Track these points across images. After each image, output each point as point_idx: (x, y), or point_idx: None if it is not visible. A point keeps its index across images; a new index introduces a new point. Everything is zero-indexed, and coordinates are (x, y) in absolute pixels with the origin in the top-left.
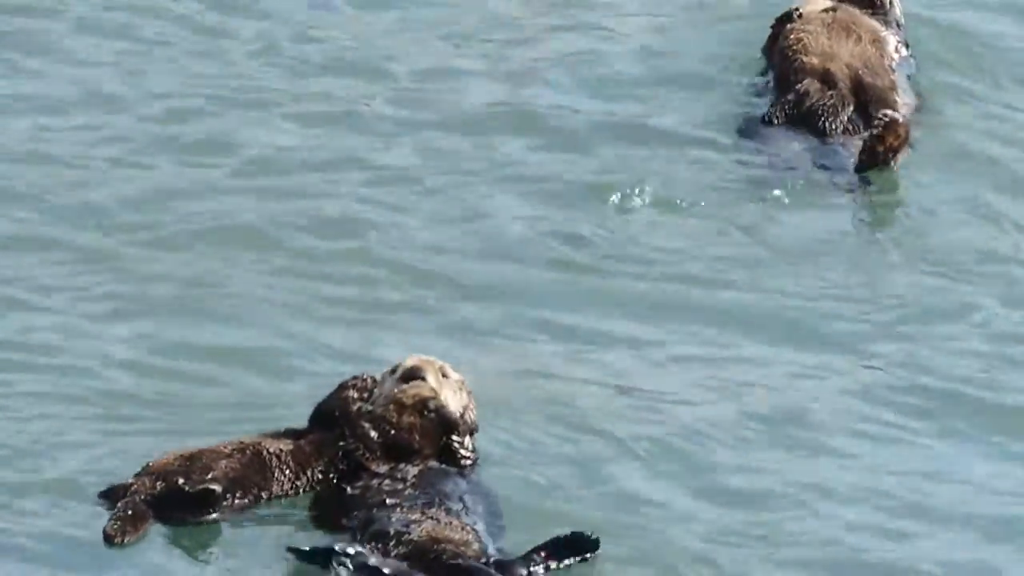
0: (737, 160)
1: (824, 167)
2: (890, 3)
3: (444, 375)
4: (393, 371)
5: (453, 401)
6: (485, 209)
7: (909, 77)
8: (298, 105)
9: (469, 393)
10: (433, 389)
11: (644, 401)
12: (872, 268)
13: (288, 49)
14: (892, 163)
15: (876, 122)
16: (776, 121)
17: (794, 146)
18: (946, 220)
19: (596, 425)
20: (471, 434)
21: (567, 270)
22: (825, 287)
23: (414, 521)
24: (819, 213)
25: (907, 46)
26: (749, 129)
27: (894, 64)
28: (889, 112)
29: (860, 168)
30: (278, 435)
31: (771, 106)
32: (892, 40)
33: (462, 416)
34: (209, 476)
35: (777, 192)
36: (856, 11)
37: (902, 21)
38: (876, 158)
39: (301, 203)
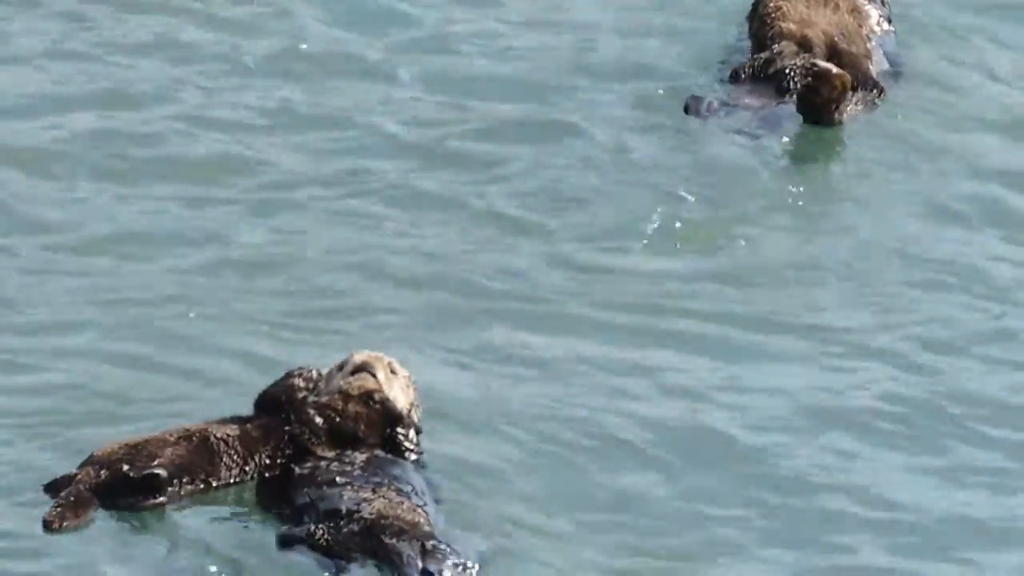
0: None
1: (778, 128)
2: None
3: (392, 371)
4: (341, 366)
5: (401, 397)
6: (432, 220)
7: (888, 50)
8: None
9: (415, 391)
10: (379, 382)
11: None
12: (818, 243)
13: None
14: (836, 117)
15: (806, 72)
16: (742, 76)
17: (754, 104)
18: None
19: (560, 435)
20: (416, 431)
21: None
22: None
23: (365, 500)
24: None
25: (889, 21)
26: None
27: (873, 36)
28: (819, 62)
29: (804, 122)
30: (224, 421)
31: (741, 64)
32: (875, 14)
33: (408, 411)
34: (155, 463)
35: (733, 150)
36: None
37: None
38: (814, 110)
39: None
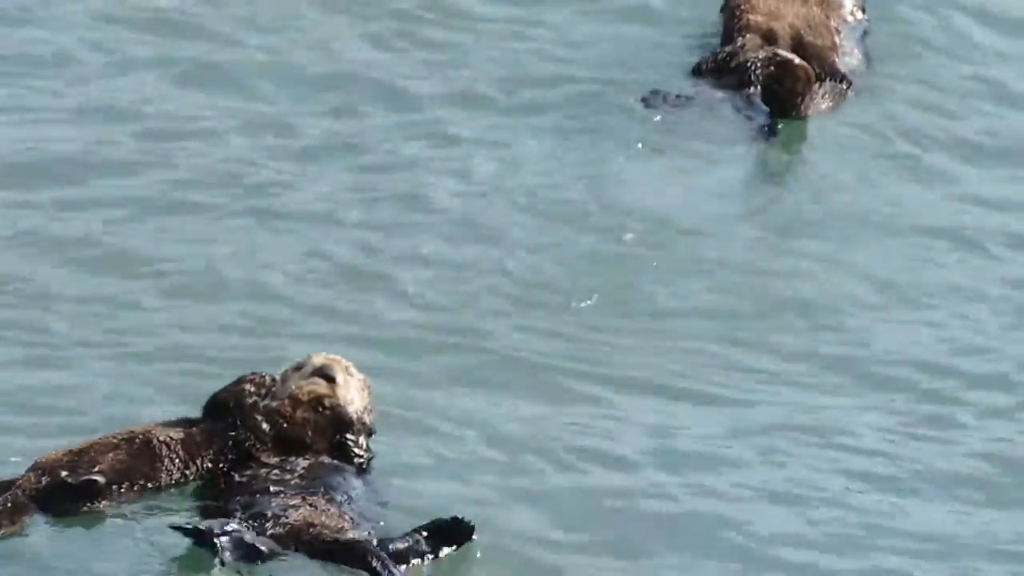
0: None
1: (743, 117)
2: None
3: (350, 373)
4: (298, 368)
5: (357, 399)
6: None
7: (860, 39)
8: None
9: (370, 395)
10: (329, 387)
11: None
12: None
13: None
14: (803, 109)
15: (769, 63)
16: (704, 68)
17: (717, 96)
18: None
19: (523, 442)
20: (368, 434)
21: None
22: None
23: (292, 506)
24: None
25: (863, 11)
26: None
27: (843, 27)
28: (782, 53)
29: (770, 115)
30: (170, 424)
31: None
32: (848, 3)
33: (362, 416)
34: (96, 469)
35: (695, 143)
36: None
37: None
38: (779, 102)
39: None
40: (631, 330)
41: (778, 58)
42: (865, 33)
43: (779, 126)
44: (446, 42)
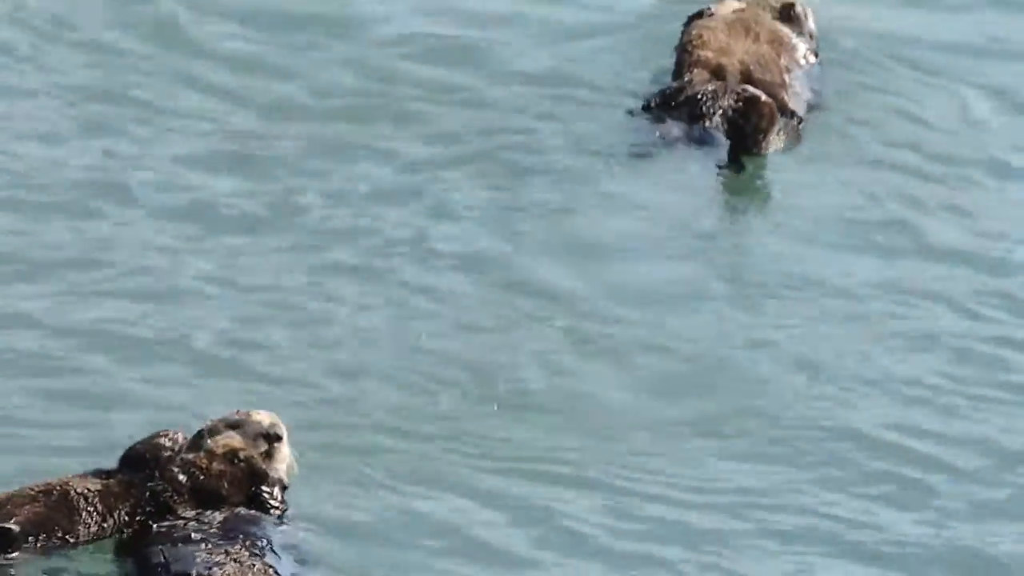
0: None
1: (698, 149)
2: (804, 15)
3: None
4: (236, 425)
5: (288, 453)
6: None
7: (811, 82)
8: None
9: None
10: (243, 441)
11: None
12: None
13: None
14: (763, 146)
15: (736, 98)
16: (653, 104)
17: (670, 130)
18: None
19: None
20: (282, 488)
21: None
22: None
23: (217, 563)
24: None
25: (816, 55)
26: (631, 115)
27: (795, 67)
28: (749, 88)
29: (732, 150)
30: (87, 476)
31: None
32: (801, 47)
33: (286, 469)
34: (11, 520)
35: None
36: (765, 15)
37: (815, 33)
38: (744, 138)
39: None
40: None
41: (746, 93)
42: (817, 76)
43: (744, 161)
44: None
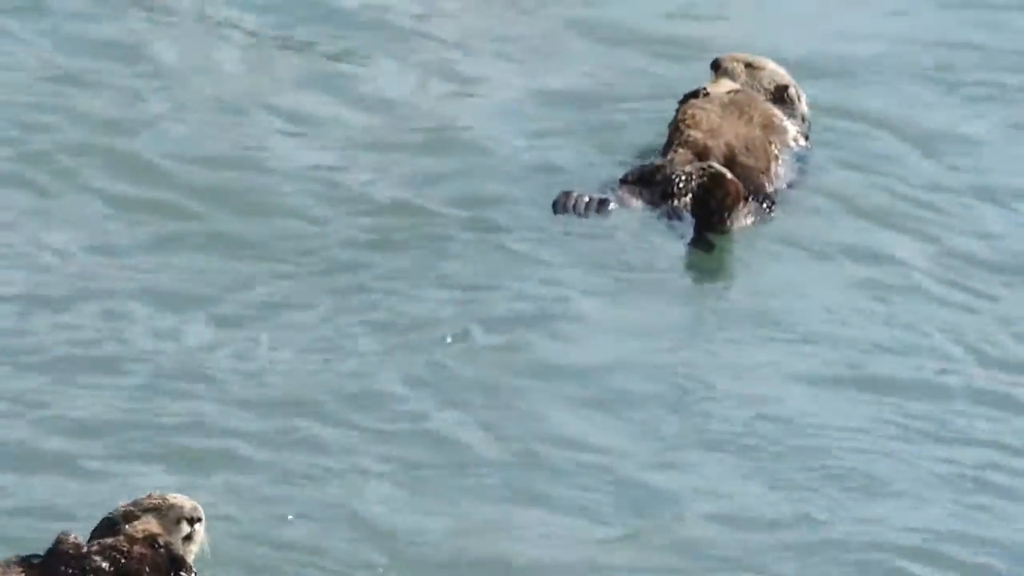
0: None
1: (665, 226)
2: (797, 97)
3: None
4: (153, 508)
5: (204, 534)
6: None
7: (799, 167)
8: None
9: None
10: (161, 526)
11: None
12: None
13: None
14: (728, 224)
15: (700, 173)
16: (629, 179)
17: (632, 205)
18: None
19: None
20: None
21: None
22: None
23: None
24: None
25: (807, 138)
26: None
27: (784, 151)
28: (714, 164)
29: (697, 227)
30: (11, 563)
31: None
32: (792, 130)
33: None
34: None
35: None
36: (758, 97)
37: (807, 115)
38: (707, 214)
39: None
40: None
41: (711, 170)
42: (804, 159)
43: (712, 240)
44: None
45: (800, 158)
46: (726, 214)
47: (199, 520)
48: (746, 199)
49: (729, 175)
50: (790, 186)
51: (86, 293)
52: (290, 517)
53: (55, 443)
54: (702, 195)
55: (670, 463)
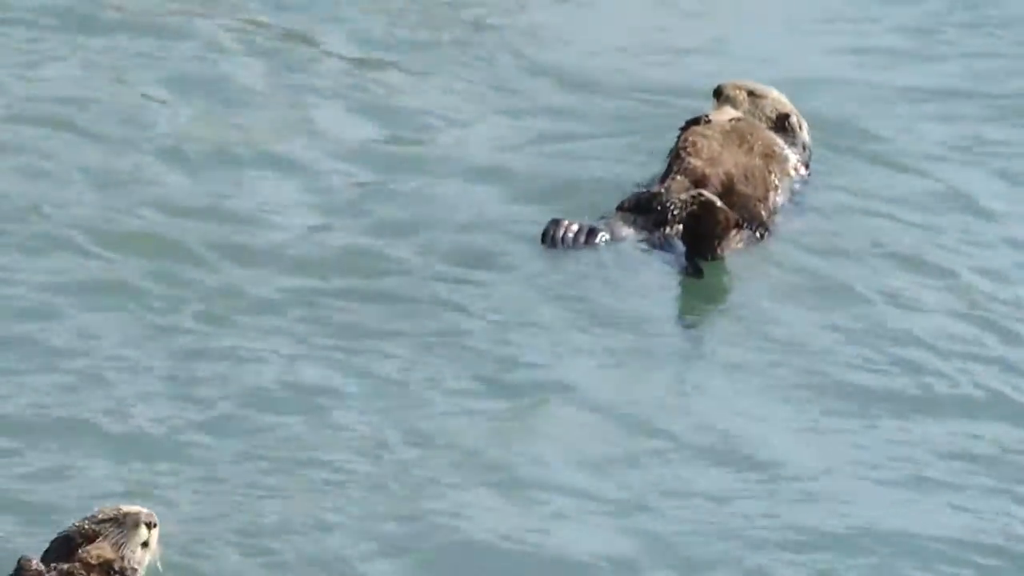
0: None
1: (656, 254)
2: (799, 126)
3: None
4: (113, 519)
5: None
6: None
7: (798, 196)
8: None
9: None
10: (114, 550)
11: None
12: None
13: None
14: (719, 252)
15: (691, 201)
16: (625, 206)
17: (625, 234)
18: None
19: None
20: None
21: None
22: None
23: None
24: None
25: (807, 166)
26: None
27: (784, 180)
28: (704, 192)
29: (688, 254)
30: None
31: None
32: (792, 158)
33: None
34: None
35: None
36: (760, 125)
37: (808, 144)
38: (698, 242)
39: None
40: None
41: (701, 198)
42: (804, 188)
43: (701, 266)
44: None
45: (800, 187)
46: (717, 242)
47: (155, 525)
48: (740, 227)
49: (719, 203)
50: (788, 215)
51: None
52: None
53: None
54: (692, 223)
55: (665, 508)
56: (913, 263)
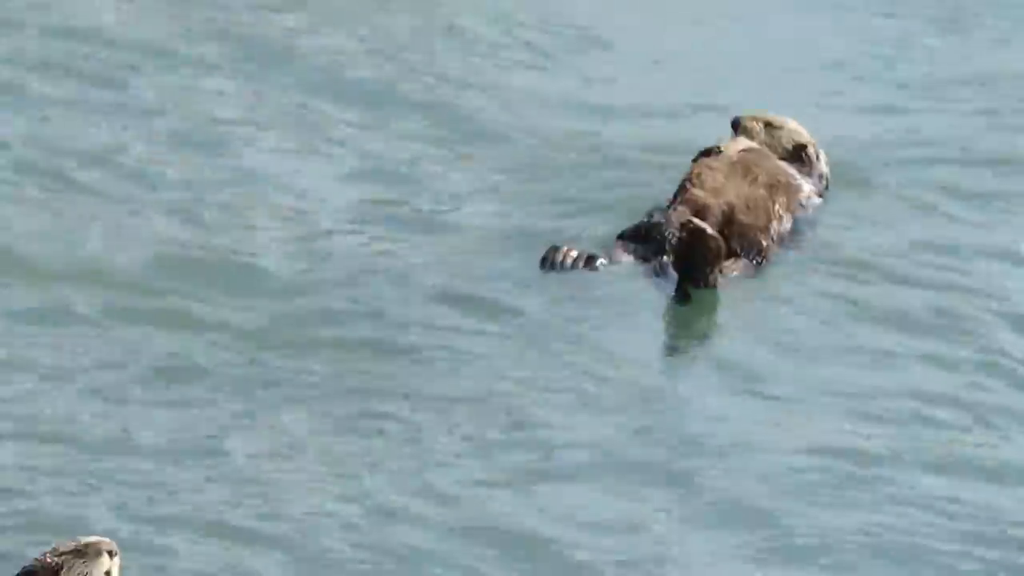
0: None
1: (652, 281)
2: (815, 157)
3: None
4: (82, 551)
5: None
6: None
7: (807, 226)
8: None
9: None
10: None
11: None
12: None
13: None
14: (712, 279)
15: (681, 228)
16: (626, 235)
17: (623, 260)
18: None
19: None
20: None
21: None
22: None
23: None
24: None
25: (821, 196)
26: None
27: (794, 209)
28: (695, 220)
29: (680, 282)
30: None
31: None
32: (806, 188)
33: None
34: None
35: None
36: (770, 156)
37: (826, 174)
38: (688, 269)
39: None
40: None
41: (691, 225)
42: (816, 217)
43: (690, 293)
44: None
45: (811, 216)
46: (707, 269)
47: (116, 554)
48: (737, 255)
49: (710, 231)
50: (792, 244)
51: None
52: None
53: None
54: (682, 250)
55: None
56: (915, 292)
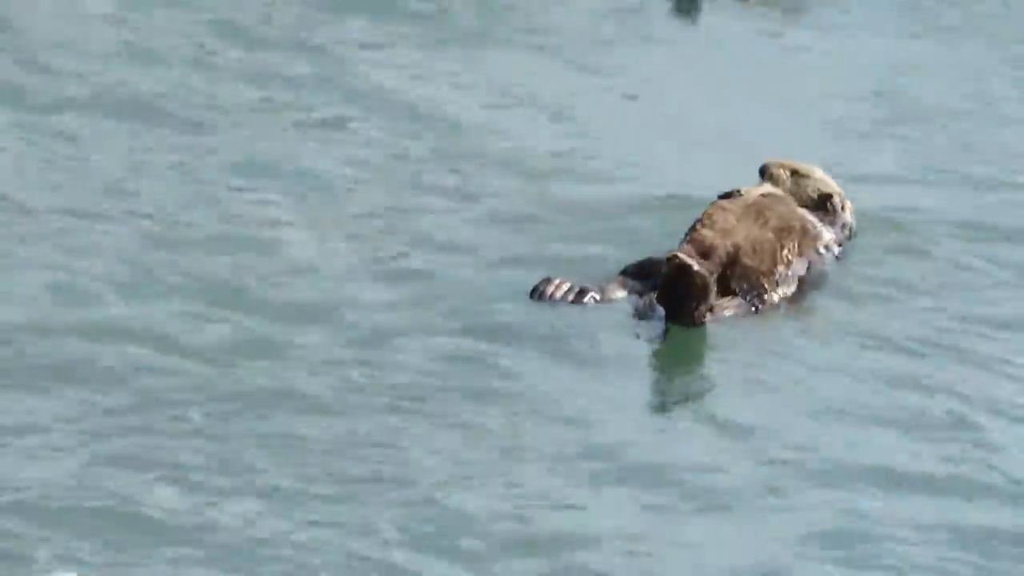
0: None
1: (643, 318)
2: (840, 206)
3: None
4: None
5: None
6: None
7: (821, 273)
8: None
9: None
10: None
11: None
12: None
13: None
14: (698, 316)
15: (666, 263)
16: (627, 272)
17: (615, 295)
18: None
19: None
20: None
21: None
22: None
23: None
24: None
25: (840, 245)
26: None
27: (808, 256)
28: (680, 255)
29: (666, 318)
30: None
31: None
32: (826, 236)
33: None
34: None
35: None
36: (787, 201)
37: (851, 224)
38: (672, 304)
39: None
40: None
41: (676, 260)
42: (833, 266)
43: (667, 330)
44: None
45: (828, 264)
46: (692, 305)
47: None
48: (734, 294)
49: (696, 267)
50: (801, 290)
51: None
52: None
53: None
54: (666, 285)
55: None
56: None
